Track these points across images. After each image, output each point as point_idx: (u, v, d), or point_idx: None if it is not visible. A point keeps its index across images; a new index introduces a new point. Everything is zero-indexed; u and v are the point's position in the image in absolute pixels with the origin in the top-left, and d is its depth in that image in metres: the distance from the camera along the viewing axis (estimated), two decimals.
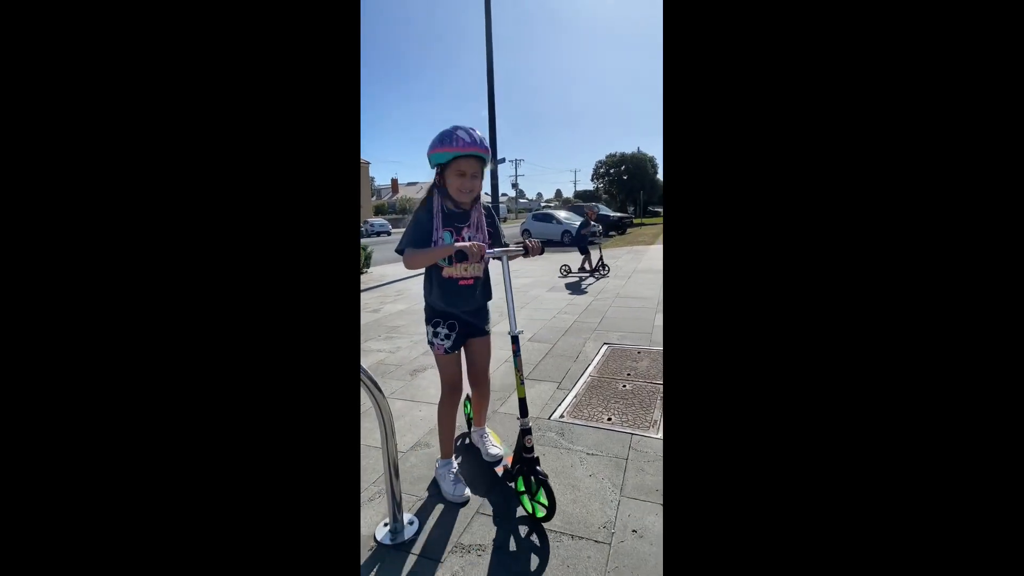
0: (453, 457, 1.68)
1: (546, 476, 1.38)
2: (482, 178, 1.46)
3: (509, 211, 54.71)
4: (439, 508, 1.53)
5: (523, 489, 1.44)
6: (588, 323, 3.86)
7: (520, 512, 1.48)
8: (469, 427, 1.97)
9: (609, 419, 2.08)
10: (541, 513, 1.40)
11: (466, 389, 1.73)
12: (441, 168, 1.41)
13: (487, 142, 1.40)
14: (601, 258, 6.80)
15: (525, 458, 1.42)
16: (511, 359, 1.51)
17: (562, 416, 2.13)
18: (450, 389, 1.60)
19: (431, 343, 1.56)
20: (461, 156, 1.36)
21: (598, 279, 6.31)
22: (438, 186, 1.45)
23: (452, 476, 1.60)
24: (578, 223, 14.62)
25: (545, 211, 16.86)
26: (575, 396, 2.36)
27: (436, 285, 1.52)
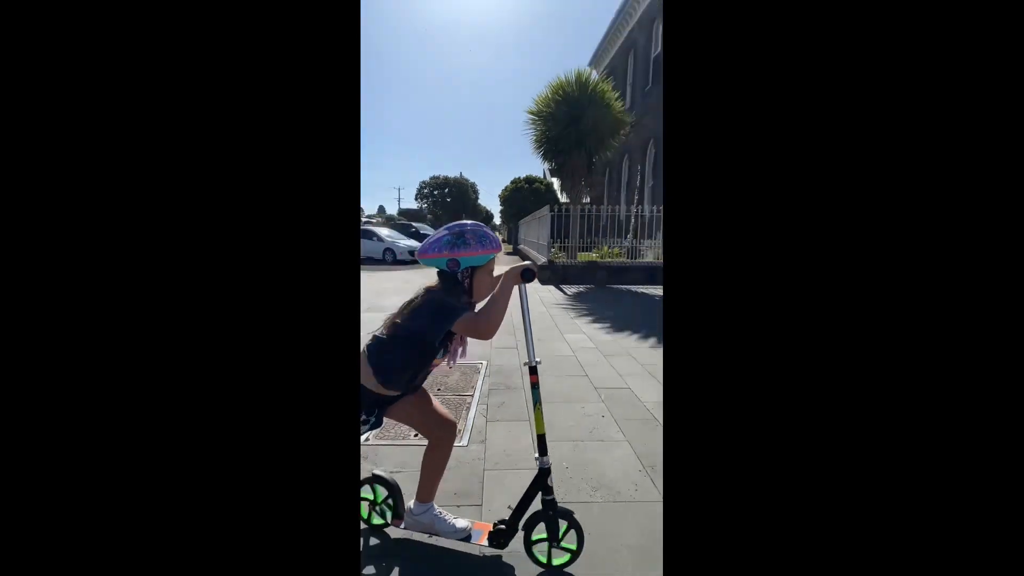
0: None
1: (571, 511, 1.30)
2: None
3: None
4: None
5: (544, 537, 1.29)
6: None
7: (525, 568, 1.30)
8: (386, 520, 1.46)
9: (416, 435, 2.12)
10: (563, 559, 1.30)
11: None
12: (472, 269, 1.28)
13: None
14: None
15: (546, 500, 1.27)
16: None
17: (367, 439, 2.08)
18: (438, 428, 1.38)
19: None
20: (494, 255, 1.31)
21: None
22: (464, 289, 1.29)
23: (441, 513, 1.40)
24: (401, 242, 13.72)
25: (366, 227, 15.56)
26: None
27: (421, 368, 1.33)
